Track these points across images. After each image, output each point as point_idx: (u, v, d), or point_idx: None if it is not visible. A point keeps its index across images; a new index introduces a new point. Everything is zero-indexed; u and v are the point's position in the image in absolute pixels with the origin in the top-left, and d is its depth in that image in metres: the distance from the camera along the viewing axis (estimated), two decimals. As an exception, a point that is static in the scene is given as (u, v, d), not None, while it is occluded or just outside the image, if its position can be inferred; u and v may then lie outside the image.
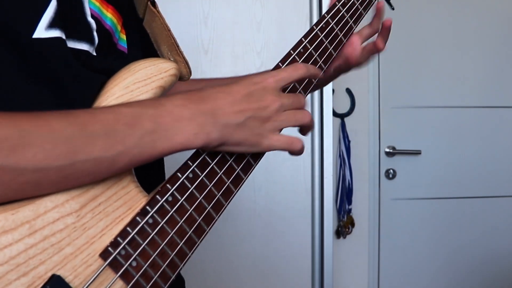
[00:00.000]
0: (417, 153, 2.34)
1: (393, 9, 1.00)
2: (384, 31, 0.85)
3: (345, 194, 2.23)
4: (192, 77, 1.68)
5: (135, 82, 0.52)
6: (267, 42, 1.57)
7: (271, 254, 1.59)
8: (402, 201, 2.36)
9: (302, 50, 0.66)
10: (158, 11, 0.62)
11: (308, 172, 1.61)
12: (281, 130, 0.58)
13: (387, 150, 2.34)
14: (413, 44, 2.33)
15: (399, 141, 2.34)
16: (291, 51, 0.65)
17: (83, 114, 0.45)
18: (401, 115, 2.34)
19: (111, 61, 0.56)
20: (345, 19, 0.75)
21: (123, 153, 0.46)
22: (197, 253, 1.65)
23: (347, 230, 2.26)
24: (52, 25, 0.48)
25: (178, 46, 0.62)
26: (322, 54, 0.69)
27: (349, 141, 2.25)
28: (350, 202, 2.25)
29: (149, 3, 0.62)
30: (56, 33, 0.48)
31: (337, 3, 0.75)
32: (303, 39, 0.67)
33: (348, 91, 2.28)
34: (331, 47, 0.71)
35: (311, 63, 0.67)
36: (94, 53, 0.55)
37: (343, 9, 0.75)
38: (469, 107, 2.36)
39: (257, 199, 1.58)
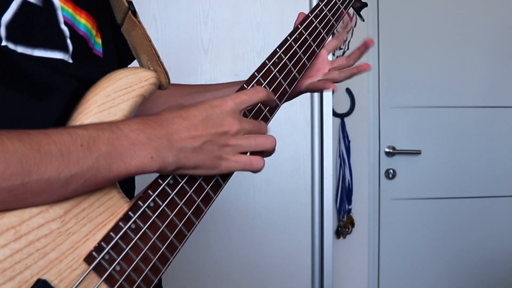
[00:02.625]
0: (417, 153, 2.34)
1: (363, 20, 1.01)
2: (364, 47, 0.87)
3: (345, 194, 2.23)
4: (192, 77, 1.68)
5: (116, 90, 0.53)
6: (267, 42, 1.57)
7: (271, 254, 1.59)
8: (402, 201, 2.36)
9: (266, 72, 0.67)
10: (139, 21, 0.62)
11: (308, 172, 1.61)
12: (243, 152, 0.57)
13: (387, 150, 2.34)
14: (413, 44, 2.33)
15: (399, 141, 2.34)
16: (256, 73, 0.66)
17: (38, 134, 0.45)
18: (401, 115, 2.34)
19: (86, 68, 0.56)
20: (308, 42, 0.77)
21: (77, 175, 0.45)
22: (197, 253, 1.64)
23: (347, 230, 2.26)
24: (8, 38, 0.49)
25: (158, 56, 0.62)
26: (287, 77, 0.71)
27: (349, 141, 2.25)
28: (350, 202, 2.25)
29: (130, 12, 0.62)
30: (12, 46, 0.49)
31: (299, 26, 0.77)
32: (267, 61, 0.68)
33: (348, 91, 2.28)
34: (295, 70, 0.73)
35: (276, 85, 0.68)
36: (70, 60, 0.55)
37: (306, 32, 0.78)
38: (469, 107, 2.36)
39: (257, 199, 1.57)
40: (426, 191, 2.36)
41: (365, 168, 2.32)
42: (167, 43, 1.49)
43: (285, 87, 0.70)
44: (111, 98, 0.53)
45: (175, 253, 0.54)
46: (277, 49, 0.71)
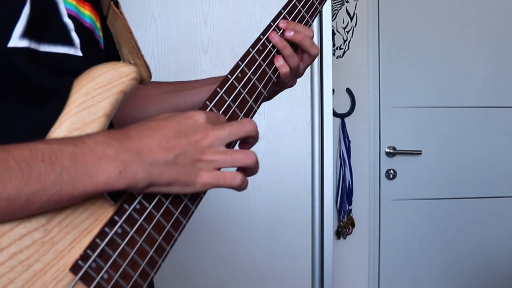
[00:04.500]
0: (417, 153, 2.33)
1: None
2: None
3: (345, 194, 2.23)
4: (191, 77, 1.68)
5: (96, 88, 0.51)
6: (267, 42, 1.56)
7: (271, 254, 1.59)
8: (403, 202, 2.35)
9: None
10: (121, 12, 0.60)
11: (308, 172, 1.61)
12: (220, 169, 0.53)
13: (388, 150, 2.33)
14: (413, 44, 2.33)
15: (399, 141, 2.34)
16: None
17: None
18: (401, 115, 2.34)
19: (97, 61, 0.54)
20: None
21: (40, 191, 0.42)
22: (197, 253, 1.63)
23: (347, 230, 2.26)
24: (25, 34, 0.48)
25: (139, 49, 0.60)
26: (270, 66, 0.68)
27: (349, 141, 2.24)
28: (350, 203, 2.25)
29: (112, 3, 0.61)
30: (25, 43, 0.48)
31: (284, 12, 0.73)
32: (250, 49, 0.65)
33: (348, 91, 2.28)
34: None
35: (260, 72, 0.65)
36: (80, 53, 0.54)
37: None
38: (469, 107, 2.36)
39: (257, 199, 1.57)
40: (427, 192, 2.36)
41: (365, 169, 2.31)
42: (167, 43, 1.49)
43: (269, 75, 0.68)
44: (90, 96, 0.50)
45: (164, 256, 0.53)
46: (261, 35, 0.69)
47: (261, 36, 0.69)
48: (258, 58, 0.67)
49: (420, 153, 2.33)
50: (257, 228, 1.58)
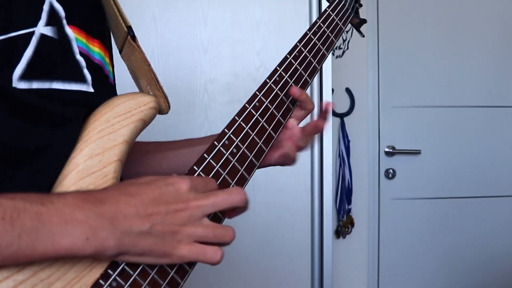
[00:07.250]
0: (416, 153, 2.33)
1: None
2: (325, 113, 0.78)
3: (344, 194, 2.23)
4: (191, 77, 1.68)
5: (115, 116, 0.53)
6: (266, 42, 1.57)
7: (271, 254, 1.59)
8: (402, 201, 2.36)
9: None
10: (138, 46, 0.61)
11: (307, 172, 1.61)
12: (202, 241, 0.50)
13: (387, 149, 2.34)
14: (413, 44, 2.33)
15: (398, 141, 2.34)
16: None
17: None
18: (400, 115, 2.34)
19: (107, 97, 0.56)
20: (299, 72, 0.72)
21: None
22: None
23: (346, 230, 2.26)
24: (23, 77, 0.48)
25: (158, 81, 0.60)
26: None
27: (348, 141, 2.25)
28: (349, 202, 2.25)
29: (129, 37, 0.61)
30: (23, 85, 0.48)
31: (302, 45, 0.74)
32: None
33: (348, 90, 2.28)
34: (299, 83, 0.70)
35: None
36: (91, 90, 0.55)
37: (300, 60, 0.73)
38: (469, 107, 2.36)
39: (257, 199, 1.57)
40: (426, 191, 2.36)
41: (364, 168, 2.31)
42: (167, 43, 1.49)
43: (288, 103, 0.69)
44: (110, 124, 0.53)
45: (186, 277, 0.53)
46: (277, 67, 0.70)
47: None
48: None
49: (420, 153, 2.33)
50: (257, 227, 1.58)
